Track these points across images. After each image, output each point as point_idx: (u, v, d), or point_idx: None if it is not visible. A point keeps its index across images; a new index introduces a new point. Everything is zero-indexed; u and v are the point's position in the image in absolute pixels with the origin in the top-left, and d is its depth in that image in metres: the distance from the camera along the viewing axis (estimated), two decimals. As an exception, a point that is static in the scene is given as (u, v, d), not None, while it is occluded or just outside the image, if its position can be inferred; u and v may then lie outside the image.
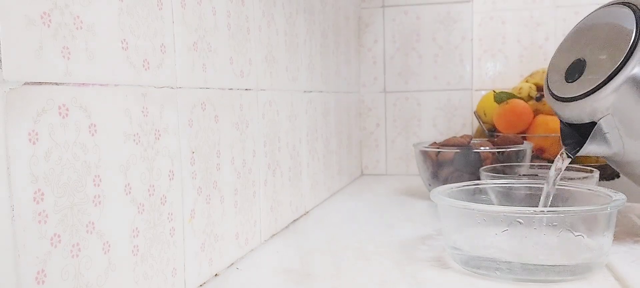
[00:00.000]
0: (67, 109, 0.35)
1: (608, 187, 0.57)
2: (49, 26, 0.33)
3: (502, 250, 0.52)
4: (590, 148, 0.56)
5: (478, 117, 1.08)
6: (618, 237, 0.63)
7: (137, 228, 0.42)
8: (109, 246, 0.39)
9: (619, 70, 0.53)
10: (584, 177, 0.73)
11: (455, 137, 0.92)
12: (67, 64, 0.35)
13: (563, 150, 0.59)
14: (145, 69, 0.43)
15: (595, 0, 1.16)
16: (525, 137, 0.96)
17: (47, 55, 0.33)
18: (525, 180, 0.70)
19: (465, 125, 1.18)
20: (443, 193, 0.59)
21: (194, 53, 0.51)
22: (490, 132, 1.04)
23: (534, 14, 1.20)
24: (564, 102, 0.58)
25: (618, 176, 0.99)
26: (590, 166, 0.79)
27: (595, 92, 0.55)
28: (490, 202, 0.66)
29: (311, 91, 0.85)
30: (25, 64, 0.31)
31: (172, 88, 0.47)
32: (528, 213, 0.50)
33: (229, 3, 0.57)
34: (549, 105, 0.62)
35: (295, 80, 0.78)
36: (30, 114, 0.32)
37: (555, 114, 0.61)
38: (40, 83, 0.33)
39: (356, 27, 1.17)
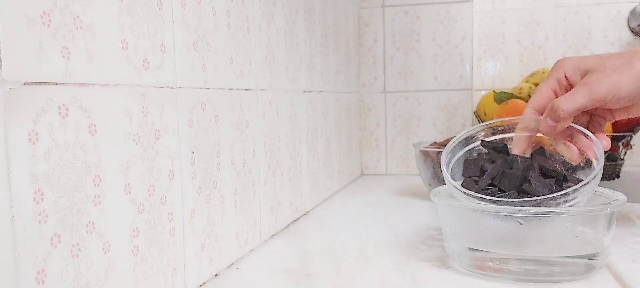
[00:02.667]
0: (67, 109, 0.35)
1: (608, 187, 0.57)
2: (48, 26, 0.33)
3: (502, 250, 0.52)
4: None
5: (478, 117, 1.08)
6: (618, 237, 0.63)
7: (137, 228, 0.42)
8: (109, 246, 0.39)
9: None
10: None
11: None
12: (67, 64, 0.35)
13: None
14: (145, 69, 0.43)
15: (596, 0, 1.17)
16: (525, 137, 0.96)
17: (47, 55, 0.33)
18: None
19: (465, 125, 1.18)
20: (443, 192, 0.59)
21: (193, 53, 0.51)
22: (490, 132, 1.04)
23: (534, 14, 1.20)
24: None
25: (618, 176, 0.99)
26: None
27: None
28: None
29: (311, 91, 0.85)
30: (25, 64, 0.31)
31: (172, 88, 0.47)
32: (528, 214, 0.50)
33: (229, 3, 0.57)
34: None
35: (295, 80, 0.78)
36: (30, 114, 0.32)
37: None
38: (40, 83, 0.33)
39: (356, 27, 1.17)
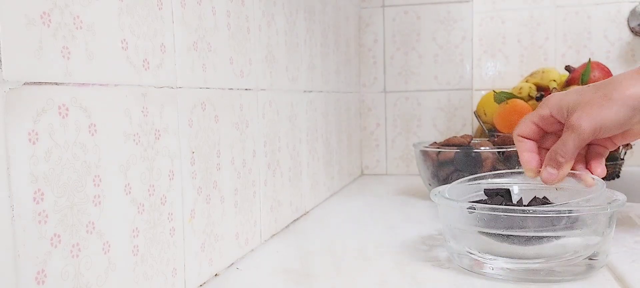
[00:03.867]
0: (67, 109, 0.35)
1: (608, 187, 0.57)
2: (48, 26, 0.33)
3: (502, 250, 0.52)
4: None
5: (478, 117, 1.08)
6: (618, 237, 0.63)
7: (137, 228, 0.42)
8: (109, 246, 0.39)
9: None
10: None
11: (455, 136, 0.92)
12: (67, 64, 0.35)
13: None
14: (145, 69, 0.43)
15: (596, 0, 1.17)
16: (525, 137, 0.96)
17: (47, 55, 0.33)
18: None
19: (465, 125, 1.18)
20: (443, 193, 0.59)
21: (193, 53, 0.51)
22: (490, 132, 1.04)
23: (534, 14, 1.20)
24: None
25: (618, 176, 0.99)
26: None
27: None
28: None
29: (311, 91, 0.85)
30: (25, 64, 0.31)
31: (172, 88, 0.47)
32: (528, 214, 0.50)
33: (229, 3, 0.57)
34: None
35: (295, 80, 0.78)
36: (30, 114, 0.32)
37: None
38: (40, 83, 0.33)
39: (356, 27, 1.17)
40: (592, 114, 0.50)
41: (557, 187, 0.58)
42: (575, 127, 0.51)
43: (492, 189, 0.60)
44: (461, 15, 1.15)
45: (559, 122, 0.54)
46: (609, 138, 0.55)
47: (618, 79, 0.51)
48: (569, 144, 0.52)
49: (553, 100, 0.55)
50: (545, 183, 0.53)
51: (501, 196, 0.59)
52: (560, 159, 0.52)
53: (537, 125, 0.56)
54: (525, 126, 0.57)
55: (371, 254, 0.61)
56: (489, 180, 0.64)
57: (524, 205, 0.56)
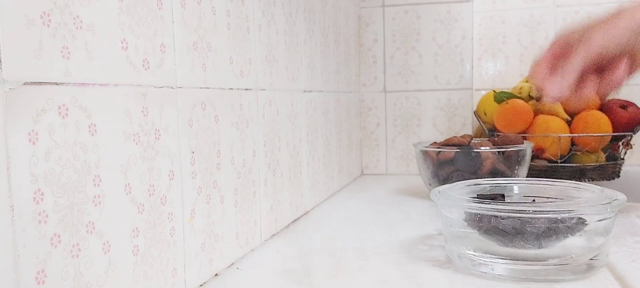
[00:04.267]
0: (67, 109, 0.35)
1: (608, 187, 0.57)
2: (48, 26, 0.33)
3: (502, 251, 0.52)
4: None
5: (478, 116, 1.08)
6: (618, 237, 0.63)
7: (137, 228, 0.42)
8: (109, 246, 0.39)
9: None
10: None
11: (455, 136, 0.92)
12: (66, 64, 0.35)
13: None
14: (145, 69, 0.43)
15: (596, 0, 1.17)
16: (525, 136, 0.96)
17: (47, 55, 0.33)
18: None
19: (465, 125, 1.18)
20: (443, 193, 0.59)
21: (193, 53, 0.51)
22: (490, 131, 1.04)
23: (534, 14, 1.20)
24: None
25: (618, 176, 0.99)
26: (590, 166, 0.79)
27: None
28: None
29: (311, 91, 0.85)
30: (25, 63, 0.31)
31: (172, 88, 0.47)
32: (528, 214, 0.50)
33: (229, 2, 0.57)
34: None
35: (295, 80, 0.78)
36: (30, 114, 0.32)
37: None
38: (40, 83, 0.33)
39: (356, 27, 1.17)
40: (601, 29, 0.55)
41: (556, 195, 0.59)
42: (586, 40, 0.55)
43: (486, 194, 0.60)
44: (461, 15, 1.15)
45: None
46: (611, 77, 0.56)
47: (628, 6, 0.55)
48: (576, 56, 0.55)
49: (563, 32, 0.58)
50: (550, 94, 0.55)
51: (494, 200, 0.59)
52: (568, 69, 0.55)
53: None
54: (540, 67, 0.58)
55: (371, 254, 0.61)
56: (491, 184, 0.64)
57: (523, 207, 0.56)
